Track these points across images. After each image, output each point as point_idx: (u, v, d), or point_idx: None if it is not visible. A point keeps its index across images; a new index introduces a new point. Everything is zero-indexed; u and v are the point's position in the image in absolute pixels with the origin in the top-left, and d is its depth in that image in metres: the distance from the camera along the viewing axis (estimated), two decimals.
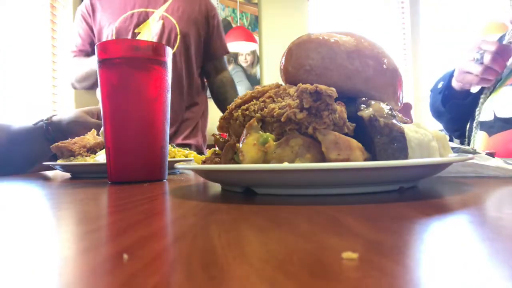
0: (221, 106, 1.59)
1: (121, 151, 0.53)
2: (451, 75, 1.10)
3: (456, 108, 1.11)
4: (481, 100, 1.03)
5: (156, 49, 0.54)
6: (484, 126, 1.02)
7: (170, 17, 1.43)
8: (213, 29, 1.52)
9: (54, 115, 0.96)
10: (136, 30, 1.37)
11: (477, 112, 1.04)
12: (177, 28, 1.43)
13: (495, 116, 0.99)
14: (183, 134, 1.46)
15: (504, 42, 1.00)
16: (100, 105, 0.55)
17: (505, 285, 0.12)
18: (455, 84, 1.07)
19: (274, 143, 0.33)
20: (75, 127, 0.93)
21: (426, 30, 3.56)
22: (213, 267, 0.14)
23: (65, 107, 2.56)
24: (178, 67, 1.43)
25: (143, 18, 1.39)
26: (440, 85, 1.16)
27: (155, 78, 0.53)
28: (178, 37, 1.45)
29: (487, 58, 0.92)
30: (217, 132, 0.42)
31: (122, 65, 0.51)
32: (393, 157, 0.31)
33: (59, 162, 0.74)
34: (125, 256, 0.16)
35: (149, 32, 1.38)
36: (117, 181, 0.54)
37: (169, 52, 0.56)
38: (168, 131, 0.56)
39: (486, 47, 0.94)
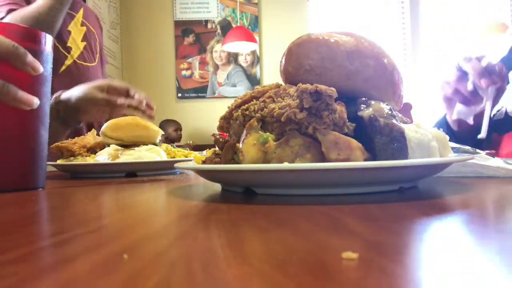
0: None
1: None
2: (444, 117, 1.01)
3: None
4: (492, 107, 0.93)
5: (25, 35, 0.45)
6: (494, 124, 0.94)
7: (88, 25, 1.34)
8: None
9: (62, 93, 0.92)
10: (68, 28, 1.28)
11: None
12: (96, 38, 1.36)
13: (506, 114, 0.93)
14: None
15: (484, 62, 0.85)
16: None
17: (505, 284, 0.12)
18: (450, 119, 0.99)
19: (274, 143, 0.33)
20: (83, 104, 0.89)
21: (426, 30, 3.56)
22: (213, 267, 0.14)
23: None
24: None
25: (68, 20, 1.25)
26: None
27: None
28: (98, 49, 1.38)
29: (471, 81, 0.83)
30: (217, 132, 0.42)
31: None
32: (393, 157, 0.31)
33: (59, 162, 0.74)
34: (125, 256, 0.16)
35: (79, 35, 1.31)
36: None
37: (46, 39, 0.47)
38: (44, 132, 0.48)
39: (467, 67, 0.84)
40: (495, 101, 0.92)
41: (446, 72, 0.92)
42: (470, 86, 0.84)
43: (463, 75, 0.86)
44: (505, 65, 1.04)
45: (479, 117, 0.89)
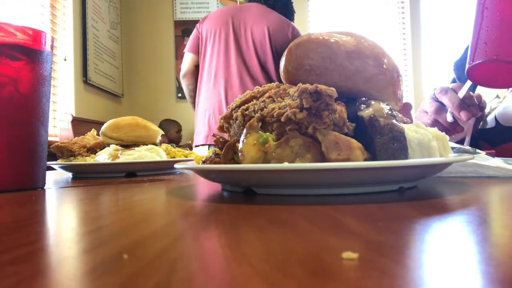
0: None
1: None
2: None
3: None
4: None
5: (24, 35, 0.45)
6: (484, 134, 0.91)
7: None
8: None
9: None
10: None
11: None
12: None
13: (497, 123, 0.88)
14: None
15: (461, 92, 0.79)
16: None
17: (504, 285, 0.12)
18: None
19: (274, 143, 0.33)
20: None
21: (426, 30, 3.56)
22: (213, 267, 0.14)
23: (65, 104, 2.56)
24: None
25: None
26: None
27: (24, 71, 0.45)
28: None
29: (450, 116, 0.79)
30: (217, 132, 0.42)
31: None
32: (393, 157, 0.31)
33: (59, 162, 0.74)
34: (125, 256, 0.16)
35: None
36: None
37: (46, 39, 0.47)
38: (44, 132, 0.48)
39: (446, 100, 0.78)
40: (475, 128, 0.89)
41: (424, 102, 0.88)
42: (449, 118, 0.80)
43: (441, 106, 0.82)
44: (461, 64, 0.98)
45: (460, 142, 0.86)
